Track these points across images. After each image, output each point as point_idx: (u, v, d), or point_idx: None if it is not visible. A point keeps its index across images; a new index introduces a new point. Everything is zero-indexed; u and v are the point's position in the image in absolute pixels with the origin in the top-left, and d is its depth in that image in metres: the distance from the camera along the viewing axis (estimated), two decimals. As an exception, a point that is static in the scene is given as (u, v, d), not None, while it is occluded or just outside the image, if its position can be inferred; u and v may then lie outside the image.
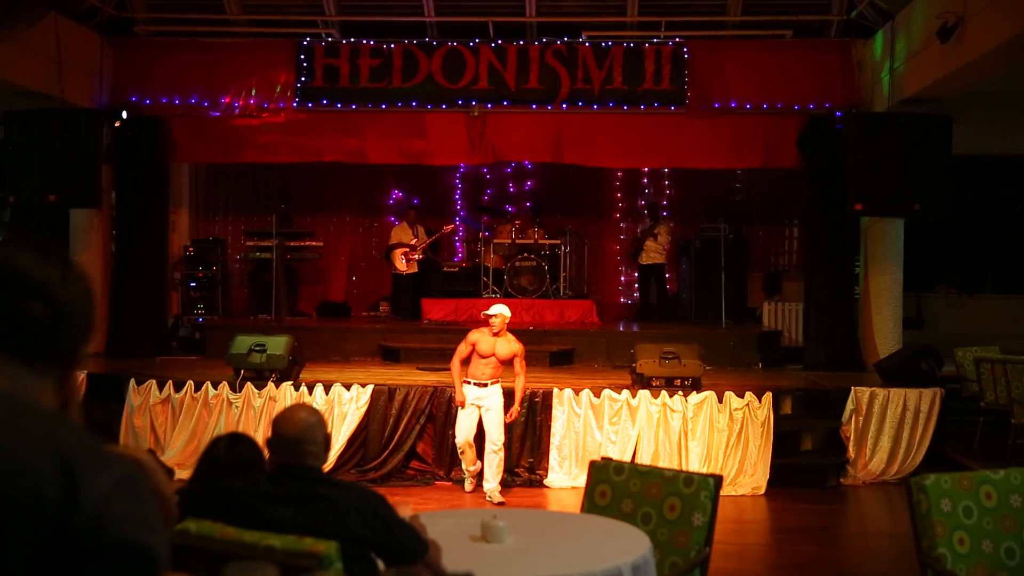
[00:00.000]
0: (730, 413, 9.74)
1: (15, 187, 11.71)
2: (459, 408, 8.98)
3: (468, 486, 9.35)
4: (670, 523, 4.48)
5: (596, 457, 9.38)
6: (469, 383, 8.88)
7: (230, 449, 3.79)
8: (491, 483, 8.93)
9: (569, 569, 3.61)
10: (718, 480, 4.53)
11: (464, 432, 8.94)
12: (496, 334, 8.75)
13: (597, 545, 3.97)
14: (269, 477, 3.54)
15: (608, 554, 3.80)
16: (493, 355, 8.73)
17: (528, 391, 9.60)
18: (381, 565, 3.50)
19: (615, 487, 4.70)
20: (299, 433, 3.55)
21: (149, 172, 12.82)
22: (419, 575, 3.39)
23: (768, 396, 9.82)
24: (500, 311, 8.76)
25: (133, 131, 12.65)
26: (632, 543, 3.93)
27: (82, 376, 10.56)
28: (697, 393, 9.78)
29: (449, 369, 9.16)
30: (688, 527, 4.42)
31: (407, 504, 3.85)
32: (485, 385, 8.84)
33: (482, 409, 8.89)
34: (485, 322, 8.87)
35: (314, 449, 3.56)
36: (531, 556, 3.88)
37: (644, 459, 9.51)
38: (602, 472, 4.77)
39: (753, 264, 14.91)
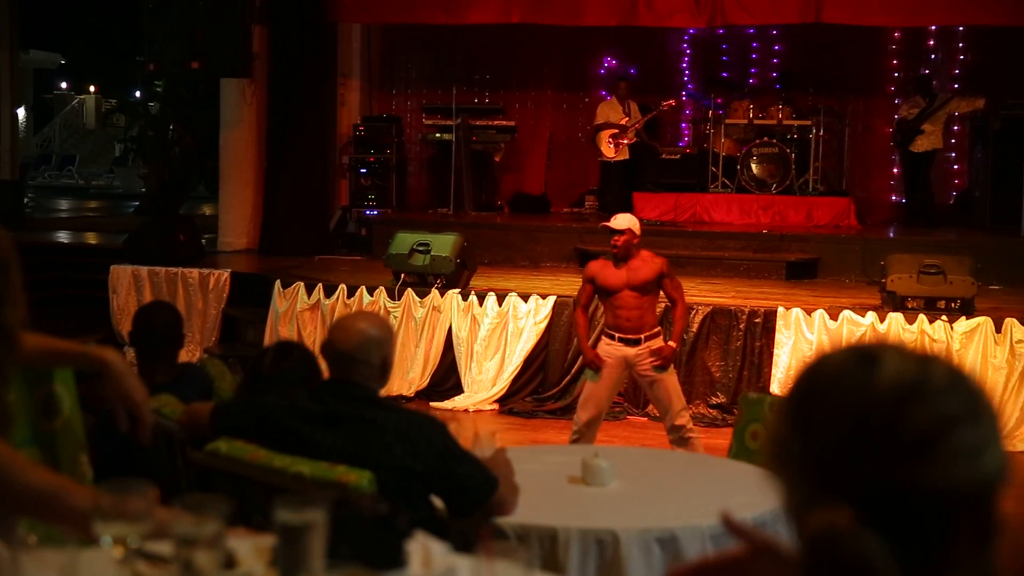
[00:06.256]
0: (1011, 346, 9.30)
1: (155, 53, 12.40)
2: (588, 372, 7.37)
3: None
4: (830, 475, 4.37)
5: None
6: (612, 338, 7.10)
7: (276, 363, 3.97)
8: None
9: (669, 522, 3.62)
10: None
11: (591, 407, 7.08)
12: (622, 254, 7.16)
13: (715, 495, 3.96)
14: (312, 394, 3.69)
15: (724, 507, 3.77)
16: (625, 286, 7.06)
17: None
18: (439, 505, 3.62)
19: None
20: (352, 349, 3.61)
21: (311, 36, 13.18)
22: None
23: (1062, 326, 9.34)
24: (630, 222, 7.27)
25: (289, -14, 13.09)
26: (761, 496, 3.86)
27: (225, 275, 11.20)
28: (967, 319, 9.40)
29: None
30: (850, 481, 4.29)
31: (491, 435, 3.95)
32: (637, 340, 7.02)
33: (642, 379, 7.28)
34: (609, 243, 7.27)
35: (366, 371, 3.63)
36: (630, 503, 3.92)
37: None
38: (754, 408, 4.71)
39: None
